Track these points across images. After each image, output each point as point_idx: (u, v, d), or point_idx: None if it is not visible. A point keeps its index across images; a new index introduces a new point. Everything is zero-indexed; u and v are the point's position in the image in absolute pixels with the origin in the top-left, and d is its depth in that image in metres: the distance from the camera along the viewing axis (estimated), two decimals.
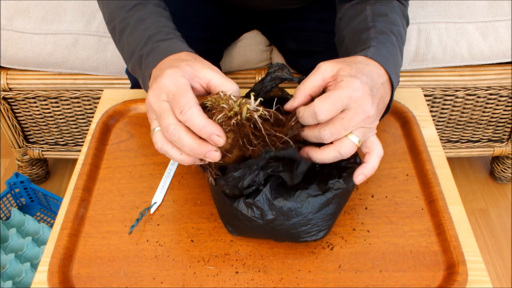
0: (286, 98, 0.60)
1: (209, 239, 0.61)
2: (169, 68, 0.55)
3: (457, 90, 1.23)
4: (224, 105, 0.52)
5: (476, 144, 1.39)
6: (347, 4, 0.74)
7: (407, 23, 0.75)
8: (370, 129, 0.55)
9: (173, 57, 0.60)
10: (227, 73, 1.17)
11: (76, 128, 1.35)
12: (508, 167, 1.46)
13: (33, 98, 1.27)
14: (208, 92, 0.57)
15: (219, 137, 0.51)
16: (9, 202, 1.36)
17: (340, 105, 0.52)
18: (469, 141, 1.38)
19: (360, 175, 0.56)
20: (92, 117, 1.03)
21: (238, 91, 0.56)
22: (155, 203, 0.65)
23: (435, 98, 1.25)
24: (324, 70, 0.55)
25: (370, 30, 0.66)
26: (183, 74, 0.54)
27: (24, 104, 1.29)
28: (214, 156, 0.52)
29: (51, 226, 1.34)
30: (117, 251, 0.60)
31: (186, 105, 0.52)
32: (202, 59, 0.59)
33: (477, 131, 1.35)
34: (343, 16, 0.74)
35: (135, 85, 0.90)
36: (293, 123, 0.55)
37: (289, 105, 0.57)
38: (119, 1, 0.70)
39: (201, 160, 0.55)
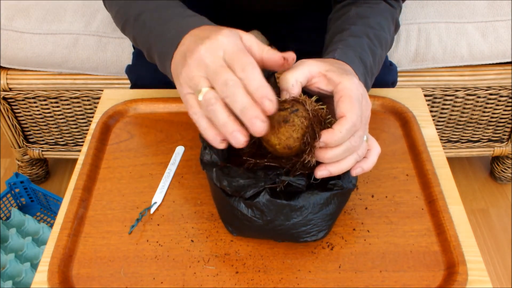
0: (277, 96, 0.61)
1: (209, 239, 0.61)
2: (223, 29, 0.52)
3: (457, 90, 1.23)
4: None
5: (476, 144, 1.39)
6: (338, 5, 0.75)
7: (397, 26, 0.75)
8: (367, 125, 0.56)
9: (207, 27, 0.56)
10: None
11: (76, 128, 1.35)
12: (508, 167, 1.46)
13: (33, 98, 1.27)
14: None
15: (271, 102, 0.48)
16: (9, 202, 1.36)
17: (361, 105, 0.53)
18: (469, 141, 1.38)
19: (358, 168, 0.56)
20: (92, 117, 1.03)
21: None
22: (155, 203, 0.65)
23: (435, 98, 1.25)
24: (310, 65, 0.55)
25: (343, 32, 0.67)
26: (238, 37, 0.52)
27: (24, 104, 1.29)
28: (259, 127, 0.47)
29: (51, 226, 1.34)
30: (117, 251, 0.60)
31: (249, 63, 0.49)
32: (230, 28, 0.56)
33: (477, 131, 1.35)
34: (332, 17, 0.75)
35: (135, 85, 0.90)
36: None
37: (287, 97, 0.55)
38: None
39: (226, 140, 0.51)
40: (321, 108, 0.53)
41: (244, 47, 0.51)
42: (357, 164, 0.56)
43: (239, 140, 0.48)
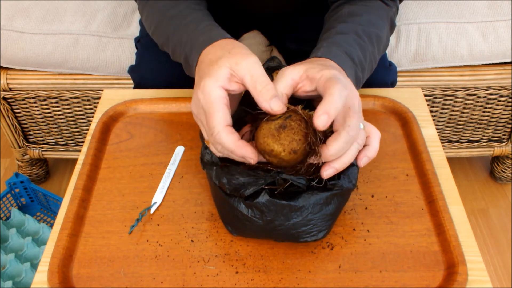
0: None
1: (209, 239, 0.61)
2: (204, 78, 0.55)
3: (457, 90, 1.23)
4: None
5: (476, 144, 1.39)
6: (334, 4, 0.75)
7: (393, 26, 0.75)
8: (361, 113, 0.55)
9: (210, 54, 0.59)
10: None
11: (76, 128, 1.35)
12: (508, 167, 1.46)
13: (33, 98, 1.27)
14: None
15: (251, 159, 0.53)
16: (9, 202, 1.36)
17: (344, 96, 0.52)
18: (469, 141, 1.38)
19: (364, 157, 0.56)
20: (92, 117, 1.03)
21: (275, 100, 0.53)
22: (155, 203, 0.65)
23: (435, 98, 1.25)
24: (291, 72, 0.55)
25: (331, 31, 0.67)
26: (218, 84, 0.54)
27: (24, 104, 1.29)
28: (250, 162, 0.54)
29: (51, 226, 1.34)
30: (117, 251, 0.60)
31: (214, 128, 0.52)
32: (238, 48, 0.57)
33: (477, 131, 1.35)
34: (327, 16, 0.75)
35: (139, 85, 0.90)
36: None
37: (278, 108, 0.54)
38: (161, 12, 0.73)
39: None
40: (312, 114, 0.54)
41: (215, 103, 0.53)
42: (361, 154, 0.55)
43: (249, 160, 0.53)
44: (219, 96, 0.53)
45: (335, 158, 0.52)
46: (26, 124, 1.35)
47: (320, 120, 0.49)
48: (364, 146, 0.56)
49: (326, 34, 0.67)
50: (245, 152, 0.52)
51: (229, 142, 0.52)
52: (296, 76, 0.55)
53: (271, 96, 0.52)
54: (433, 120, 1.30)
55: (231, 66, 0.54)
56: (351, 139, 0.52)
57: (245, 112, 0.58)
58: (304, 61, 0.59)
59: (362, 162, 0.56)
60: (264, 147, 0.52)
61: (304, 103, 0.56)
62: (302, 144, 0.51)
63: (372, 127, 0.57)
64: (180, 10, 0.70)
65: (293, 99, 0.57)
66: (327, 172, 0.53)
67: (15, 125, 1.34)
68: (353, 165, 0.57)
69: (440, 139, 1.21)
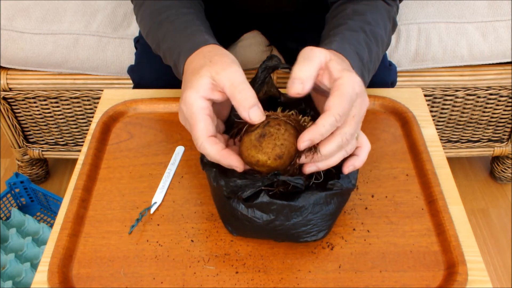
0: (276, 96, 0.62)
1: (209, 239, 0.61)
2: (186, 89, 0.55)
3: (457, 90, 1.23)
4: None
5: (476, 144, 1.39)
6: (335, 4, 0.75)
7: (394, 25, 0.75)
8: (360, 124, 0.55)
9: (193, 63, 0.59)
10: None
11: (76, 128, 1.35)
12: (508, 167, 1.46)
13: (33, 98, 1.27)
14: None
15: (237, 167, 0.53)
16: (9, 202, 1.36)
17: (352, 103, 0.52)
18: (469, 141, 1.38)
19: (350, 166, 0.56)
20: (92, 117, 1.03)
21: (252, 108, 0.52)
22: (155, 203, 0.65)
23: (435, 98, 1.25)
24: (319, 54, 0.54)
25: (340, 27, 0.67)
26: (199, 95, 0.54)
27: (24, 104, 1.29)
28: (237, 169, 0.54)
29: (51, 226, 1.34)
30: (117, 251, 0.60)
31: (198, 140, 0.53)
32: (220, 57, 0.57)
33: (477, 131, 1.35)
34: (329, 16, 0.75)
35: (138, 85, 0.90)
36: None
37: (299, 90, 0.52)
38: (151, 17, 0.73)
39: None
40: (291, 114, 0.54)
41: (198, 114, 0.53)
42: (349, 163, 0.56)
43: (235, 168, 0.54)
44: (200, 107, 0.53)
45: (324, 159, 0.53)
46: (26, 124, 1.35)
47: (304, 144, 0.51)
48: (353, 155, 0.56)
49: (334, 30, 0.67)
50: (230, 161, 0.52)
51: (213, 153, 0.52)
52: (323, 60, 0.54)
53: (250, 105, 0.51)
54: (433, 120, 1.29)
55: (212, 75, 0.54)
56: (343, 145, 0.53)
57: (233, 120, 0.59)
58: (327, 50, 0.57)
59: (347, 170, 0.56)
60: (250, 159, 0.52)
61: (282, 107, 0.57)
62: (286, 148, 0.51)
63: (364, 138, 0.58)
64: (169, 15, 0.70)
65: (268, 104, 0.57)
66: (309, 169, 0.54)
67: (15, 125, 1.34)
68: None
69: (440, 139, 1.21)
